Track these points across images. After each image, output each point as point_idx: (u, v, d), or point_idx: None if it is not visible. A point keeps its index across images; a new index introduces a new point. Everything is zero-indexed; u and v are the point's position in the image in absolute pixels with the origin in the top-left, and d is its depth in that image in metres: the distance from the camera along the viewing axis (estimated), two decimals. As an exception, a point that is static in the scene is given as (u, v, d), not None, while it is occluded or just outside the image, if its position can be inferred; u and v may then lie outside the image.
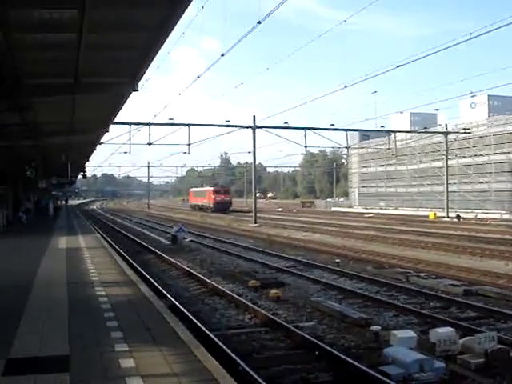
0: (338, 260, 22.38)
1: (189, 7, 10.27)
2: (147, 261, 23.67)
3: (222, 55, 24.00)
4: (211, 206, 77.39)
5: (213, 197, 77.56)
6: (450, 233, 33.54)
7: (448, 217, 51.41)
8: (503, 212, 51.84)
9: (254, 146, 48.01)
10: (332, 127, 48.62)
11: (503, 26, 22.76)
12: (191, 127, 43.57)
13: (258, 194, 56.71)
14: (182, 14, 10.58)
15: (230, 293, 15.21)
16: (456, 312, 13.12)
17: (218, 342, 9.84)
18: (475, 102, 67.62)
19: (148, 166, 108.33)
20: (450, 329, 9.27)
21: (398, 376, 8.11)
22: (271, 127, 47.64)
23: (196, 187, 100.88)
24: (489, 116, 63.94)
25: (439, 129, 60.05)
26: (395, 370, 8.24)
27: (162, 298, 12.98)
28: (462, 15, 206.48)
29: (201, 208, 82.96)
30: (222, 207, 75.29)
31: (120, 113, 23.81)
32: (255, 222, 47.14)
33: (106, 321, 9.34)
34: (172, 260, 22.71)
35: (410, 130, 67.85)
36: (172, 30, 11.51)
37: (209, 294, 15.77)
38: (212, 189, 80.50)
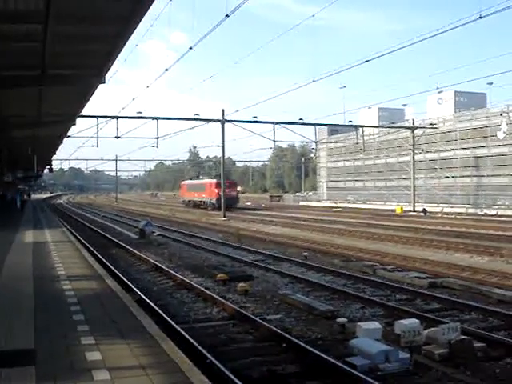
0: (305, 253, 22.52)
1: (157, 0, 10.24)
2: (115, 255, 23.51)
3: (191, 48, 23.94)
4: (213, 201, 63.37)
5: (216, 191, 62.55)
6: (416, 226, 33.98)
7: (414, 211, 52.04)
8: (468, 206, 52.67)
9: (223, 140, 48.00)
10: (301, 121, 48.88)
11: (468, 22, 23.07)
12: (160, 121, 43.40)
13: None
14: (150, 6, 10.54)
15: (198, 286, 15.21)
16: (421, 304, 13.32)
17: (186, 334, 9.84)
18: (442, 97, 68.39)
19: (116, 160, 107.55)
20: (414, 320, 9.42)
21: (363, 367, 8.22)
22: (240, 121, 47.69)
23: (190, 179, 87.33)
24: (455, 112, 64.77)
25: (406, 124, 60.70)
26: (361, 361, 8.36)
27: (129, 292, 12.93)
28: (429, 11, 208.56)
29: (198, 204, 71.19)
30: (228, 203, 59.46)
31: (87, 105, 23.62)
32: (224, 216, 47.15)
33: (73, 314, 9.29)
34: (140, 254, 22.60)
35: (377, 124, 68.41)
36: (139, 22, 11.46)
37: (177, 288, 15.75)
38: (215, 181, 64.99)
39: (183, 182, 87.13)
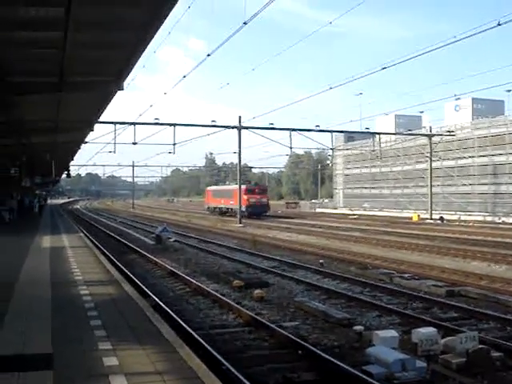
0: (321, 260, 22.46)
1: (175, 7, 10.28)
2: (131, 260, 23.61)
3: (208, 55, 23.99)
4: (243, 209, 55.69)
5: (245, 198, 57.80)
6: (433, 234, 33.77)
7: (431, 218, 51.75)
8: (486, 214, 52.26)
9: (240, 147, 48.14)
10: (317, 128, 48.82)
11: (486, 29, 22.92)
12: (177, 127, 43.57)
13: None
14: (169, 13, 10.59)
15: (214, 293, 15.22)
16: (438, 312, 13.23)
17: (202, 341, 9.85)
18: (459, 104, 68.06)
19: (133, 166, 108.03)
20: (432, 329, 9.35)
21: (380, 375, 8.18)
22: (257, 128, 47.74)
23: (216, 185, 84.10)
24: (473, 119, 64.39)
25: (423, 131, 60.47)
26: (378, 370, 8.31)
27: (145, 298, 12.97)
28: (446, 17, 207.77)
29: (224, 212, 66.49)
30: (258, 211, 60.02)
31: (105, 112, 23.75)
32: (240, 223, 47.18)
33: (90, 319, 9.33)
34: (156, 260, 22.67)
35: (394, 131, 68.18)
36: (158, 29, 11.52)
37: (193, 294, 15.77)
38: (244, 187, 58.92)
39: (208, 188, 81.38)
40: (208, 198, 76.78)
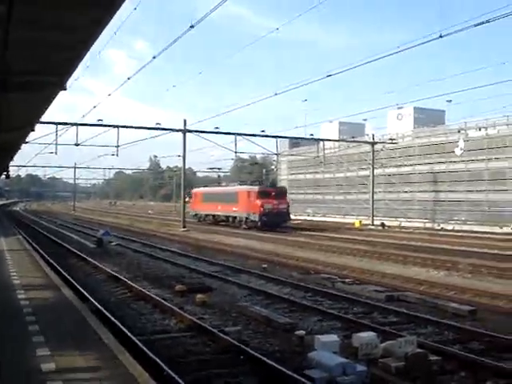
0: (265, 265, 22.53)
1: (121, 8, 10.13)
2: (72, 264, 23.14)
3: (154, 57, 23.88)
4: (254, 217, 45.26)
5: (258, 203, 44.91)
6: (374, 240, 34.32)
7: (373, 224, 52.62)
8: (426, 221, 53.47)
9: (184, 150, 47.75)
10: (262, 133, 49.03)
11: (428, 41, 23.47)
12: (121, 129, 43.03)
13: (187, 199, 55.58)
14: (114, 14, 10.44)
15: (156, 297, 15.07)
16: (378, 317, 13.45)
17: (143, 346, 9.73)
18: (401, 113, 69.53)
19: (74, 168, 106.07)
20: (372, 333, 9.49)
21: (321, 380, 8.24)
22: (202, 131, 47.55)
23: (205, 186, 64.52)
24: (414, 127, 65.91)
25: (366, 139, 61.47)
26: (319, 374, 8.38)
27: (86, 302, 12.74)
28: (392, 27, 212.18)
29: (223, 220, 52.48)
30: (276, 221, 44.97)
31: (47, 112, 23.23)
32: (184, 227, 46.88)
33: (28, 325, 9.10)
34: (97, 264, 22.29)
35: (338, 138, 69.12)
36: (103, 30, 11.32)
37: (134, 299, 15.58)
38: (256, 189, 47.16)
39: (197, 190, 62.15)
40: (196, 202, 59.75)
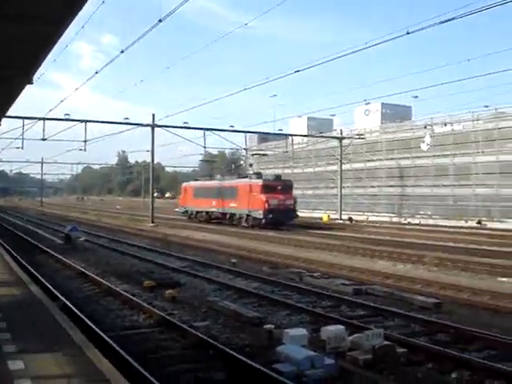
0: (234, 260, 22.58)
1: (89, 1, 10.04)
2: (39, 261, 22.87)
3: (122, 52, 23.70)
4: (258, 215, 40.98)
5: (263, 198, 40.58)
6: (342, 234, 34.62)
7: (341, 219, 53.03)
8: (393, 215, 54.09)
9: (153, 145, 47.51)
10: (231, 129, 49.06)
11: (395, 37, 23.66)
12: (89, 124, 42.67)
13: (155, 194, 55.08)
14: (81, 7, 10.34)
15: (125, 293, 15.01)
16: (346, 310, 13.61)
17: (112, 342, 9.70)
18: (369, 109, 70.25)
19: (42, 163, 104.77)
20: (339, 326, 9.61)
21: (290, 373, 8.31)
22: (170, 126, 47.36)
23: (196, 179, 58.67)
24: (381, 123, 66.63)
25: (334, 134, 61.91)
26: (287, 368, 8.45)
27: (53, 299, 12.63)
28: (362, 24, 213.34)
29: (219, 218, 47.77)
30: (282, 218, 41.25)
31: (13, 106, 22.91)
32: (152, 222, 46.67)
33: (-6, 322, 9.01)
34: (65, 260, 22.09)
35: (307, 134, 69.44)
36: (70, 23, 11.22)
37: (103, 295, 15.49)
38: (260, 182, 42.44)
39: (188, 184, 56.24)
40: (186, 197, 54.12)
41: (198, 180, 56.91)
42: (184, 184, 57.56)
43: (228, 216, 45.67)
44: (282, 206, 40.80)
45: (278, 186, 42.26)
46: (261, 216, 40.44)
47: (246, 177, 46.55)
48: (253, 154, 66.52)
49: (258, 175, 45.10)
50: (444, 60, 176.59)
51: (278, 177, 45.00)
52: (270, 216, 40.04)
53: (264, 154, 65.85)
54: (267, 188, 41.30)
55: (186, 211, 53.29)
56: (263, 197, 40.50)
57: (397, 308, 13.49)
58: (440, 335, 11.10)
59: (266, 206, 40.26)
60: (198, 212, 51.13)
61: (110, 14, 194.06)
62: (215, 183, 49.71)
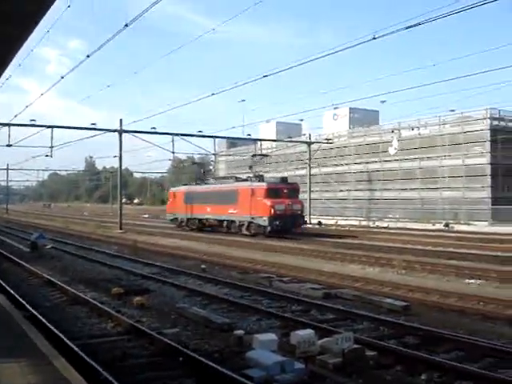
0: (203, 266, 22.48)
1: (54, 5, 9.92)
2: (5, 269, 22.47)
3: (88, 56, 23.52)
4: (264, 222, 37.04)
5: (268, 203, 36.82)
6: (312, 238, 34.70)
7: (310, 223, 53.20)
8: (361, 219, 54.50)
9: (121, 150, 47.11)
10: (200, 134, 48.96)
11: (362, 42, 23.82)
12: (55, 130, 42.20)
13: (123, 200, 54.54)
14: (47, 10, 10.22)
15: (93, 301, 14.82)
16: (316, 314, 13.63)
17: (79, 351, 9.55)
18: (337, 113, 70.73)
19: (7, 169, 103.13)
20: (309, 331, 9.60)
21: (260, 378, 8.29)
22: (138, 132, 47.06)
23: (185, 184, 53.09)
24: (350, 128, 67.15)
25: (303, 138, 62.19)
26: (258, 373, 8.42)
27: (20, 308, 12.41)
28: (330, 28, 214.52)
29: (214, 225, 43.80)
30: (289, 225, 37.56)
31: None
32: (121, 228, 46.24)
33: (-43, 333, 8.81)
34: (31, 268, 21.74)
35: (275, 138, 69.64)
36: (35, 26, 11.09)
37: (70, 303, 15.27)
38: (265, 186, 38.24)
39: (176, 189, 51.69)
40: (176, 203, 49.19)
41: (188, 184, 52.38)
42: (172, 189, 53.87)
43: (225, 223, 41.66)
44: (289, 212, 37.22)
45: (284, 190, 38.50)
46: (266, 223, 36.72)
47: (246, 180, 42.11)
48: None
49: (260, 178, 41.22)
50: (411, 65, 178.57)
51: (283, 179, 41.12)
52: (277, 223, 36.49)
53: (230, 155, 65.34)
54: (272, 192, 37.57)
55: (176, 218, 48.91)
56: (268, 201, 36.77)
57: (366, 311, 13.56)
58: (409, 337, 11.18)
59: (272, 211, 36.46)
60: (189, 219, 46.64)
61: (76, 19, 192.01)
62: (210, 187, 45.61)
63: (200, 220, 45.08)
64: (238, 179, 43.83)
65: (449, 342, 10.61)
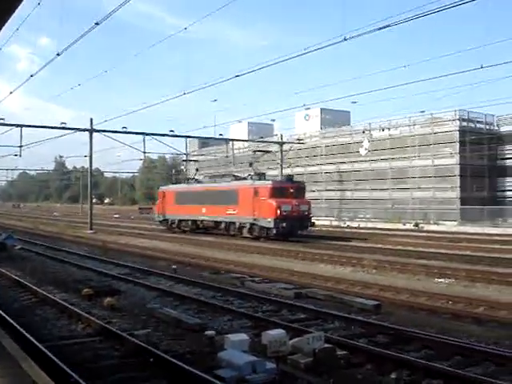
0: (174, 266, 22.37)
1: (23, 3, 9.79)
2: (-29, 270, 22.12)
3: (58, 55, 23.28)
4: (269, 224, 34.69)
5: (273, 204, 34.39)
6: (283, 238, 34.78)
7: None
8: (332, 219, 54.84)
9: (91, 150, 46.78)
10: (171, 133, 48.79)
11: (333, 43, 23.96)
12: (24, 129, 41.68)
13: (94, 200, 54.11)
14: (15, 9, 10.09)
15: (63, 302, 14.64)
16: (287, 314, 13.65)
17: (48, 352, 9.44)
18: (309, 114, 71.00)
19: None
20: (280, 330, 9.62)
21: (231, 379, 8.28)
22: (109, 131, 46.71)
23: (176, 183, 53.46)
24: (321, 128, 67.49)
25: (275, 139, 62.33)
26: (229, 373, 8.40)
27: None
28: (304, 29, 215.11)
29: (210, 227, 41.45)
30: (296, 228, 35.68)
31: None
32: (91, 229, 45.85)
33: None
34: (0, 269, 21.42)
35: (247, 138, 69.71)
36: (3, 25, 10.95)
37: (40, 304, 15.07)
38: (269, 184, 36.05)
39: (166, 189, 48.99)
40: (165, 203, 46.40)
41: (179, 183, 50.52)
42: (162, 188, 50.19)
43: (224, 225, 39.11)
44: (295, 213, 34.91)
45: (290, 189, 35.86)
46: (271, 225, 34.36)
47: (246, 178, 39.86)
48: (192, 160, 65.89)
49: (262, 176, 38.74)
50: (382, 66, 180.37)
51: (289, 178, 38.92)
52: (283, 225, 34.07)
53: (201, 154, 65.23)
54: (278, 191, 35.13)
55: (165, 220, 46.35)
56: (273, 202, 34.34)
57: (337, 310, 13.62)
58: (379, 336, 11.25)
59: (278, 212, 34.06)
60: (181, 221, 44.40)
61: (47, 17, 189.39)
62: (205, 187, 42.90)
63: (194, 221, 42.88)
64: (236, 177, 41.99)
65: (419, 340, 10.71)
